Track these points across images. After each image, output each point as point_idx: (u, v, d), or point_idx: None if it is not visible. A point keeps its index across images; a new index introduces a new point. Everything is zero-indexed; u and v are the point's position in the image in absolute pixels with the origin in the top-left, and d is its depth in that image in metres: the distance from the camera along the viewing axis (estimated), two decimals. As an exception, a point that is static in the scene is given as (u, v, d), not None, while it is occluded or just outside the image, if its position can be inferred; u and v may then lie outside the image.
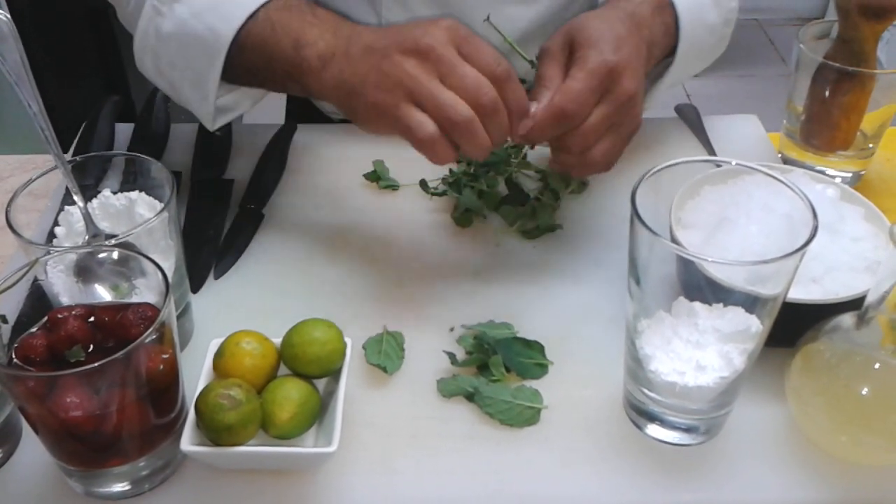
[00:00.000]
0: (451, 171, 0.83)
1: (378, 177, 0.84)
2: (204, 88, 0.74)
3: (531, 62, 0.75)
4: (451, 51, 0.63)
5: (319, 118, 1.04)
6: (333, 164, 0.88)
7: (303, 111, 1.06)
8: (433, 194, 0.82)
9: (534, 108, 0.67)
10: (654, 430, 0.61)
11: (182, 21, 0.72)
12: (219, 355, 0.60)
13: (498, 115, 0.63)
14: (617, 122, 0.69)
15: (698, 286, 0.54)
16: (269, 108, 0.98)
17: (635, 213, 0.53)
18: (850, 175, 0.86)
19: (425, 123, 0.62)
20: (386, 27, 0.68)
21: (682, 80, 0.86)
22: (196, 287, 0.73)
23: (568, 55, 0.70)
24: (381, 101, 0.64)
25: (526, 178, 0.84)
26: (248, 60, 0.72)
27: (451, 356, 0.66)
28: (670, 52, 0.80)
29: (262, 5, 0.71)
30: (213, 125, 0.78)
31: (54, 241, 0.65)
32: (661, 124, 0.94)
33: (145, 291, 0.58)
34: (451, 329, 0.69)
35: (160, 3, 0.73)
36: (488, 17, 0.81)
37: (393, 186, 0.84)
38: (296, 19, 0.70)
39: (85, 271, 0.59)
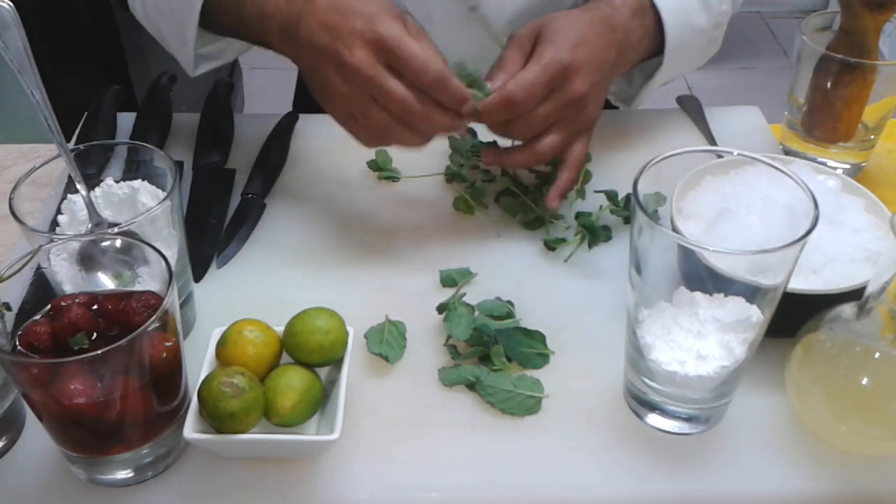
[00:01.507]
0: (451, 161, 0.83)
1: (379, 167, 0.84)
2: (183, 36, 0.78)
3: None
4: (376, 69, 0.66)
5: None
6: (336, 153, 0.88)
7: (311, 100, 1.06)
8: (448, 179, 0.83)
9: (489, 86, 0.72)
10: (654, 419, 0.61)
11: None
12: (221, 343, 0.60)
13: (428, 119, 0.68)
14: (564, 118, 0.74)
15: (699, 276, 0.54)
16: (276, 98, 0.98)
17: (637, 202, 0.54)
18: (851, 166, 0.86)
19: (360, 136, 0.71)
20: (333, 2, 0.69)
21: (673, 79, 0.87)
22: (199, 276, 0.73)
23: (532, 46, 0.74)
24: (328, 108, 0.71)
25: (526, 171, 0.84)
26: (224, 19, 0.75)
27: (452, 349, 0.66)
28: (654, 53, 0.82)
29: None
30: (193, 71, 0.83)
31: (57, 229, 0.65)
32: (663, 116, 0.94)
33: (148, 280, 0.58)
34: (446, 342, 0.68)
35: None
36: (477, 8, 0.84)
37: (394, 177, 0.84)
38: None
39: (88, 259, 0.59)
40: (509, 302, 0.69)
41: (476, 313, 0.67)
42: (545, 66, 0.71)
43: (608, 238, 0.76)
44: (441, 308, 0.67)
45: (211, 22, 0.78)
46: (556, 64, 0.71)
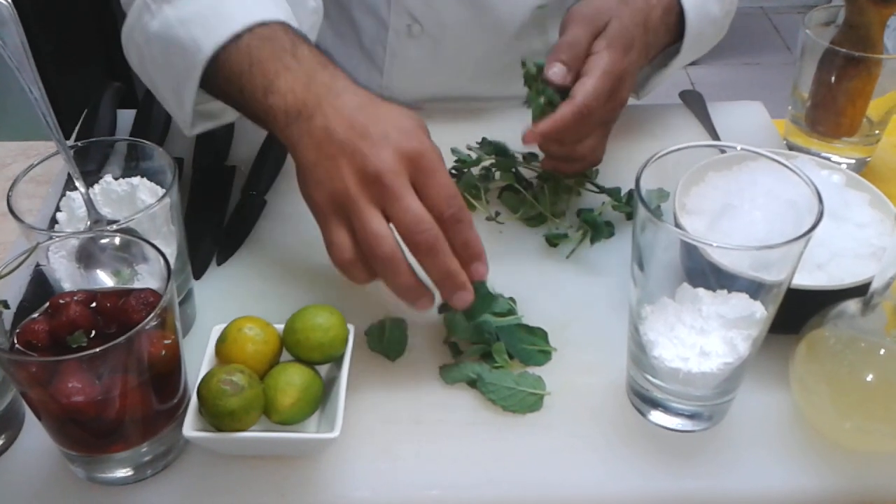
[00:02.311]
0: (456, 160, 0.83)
1: None
2: (181, 95, 0.71)
3: (548, 94, 0.73)
4: (401, 180, 0.59)
5: None
6: (336, 150, 0.87)
7: None
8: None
9: (556, 68, 0.70)
10: (657, 416, 0.61)
11: (168, 24, 0.70)
12: (221, 341, 0.60)
13: (436, 255, 0.59)
14: (608, 119, 0.74)
15: (702, 272, 0.54)
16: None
17: (639, 198, 0.53)
18: (855, 161, 0.85)
19: (344, 247, 0.60)
20: (360, 100, 0.63)
21: (680, 68, 0.87)
22: (198, 273, 0.73)
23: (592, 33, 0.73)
24: (316, 202, 0.62)
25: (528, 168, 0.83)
26: (223, 87, 0.68)
27: (453, 347, 0.65)
28: (669, 44, 0.83)
29: (249, 29, 0.66)
30: (190, 131, 0.75)
31: (56, 226, 0.64)
32: (666, 111, 0.93)
33: (147, 277, 0.57)
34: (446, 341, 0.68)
35: (152, 0, 0.72)
36: (524, 63, 0.76)
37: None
38: (273, 58, 0.65)
39: (87, 257, 0.59)
40: (511, 298, 0.68)
41: None
42: (609, 72, 0.70)
43: (611, 234, 0.76)
44: (442, 308, 0.67)
45: (210, 84, 0.70)
46: (617, 71, 0.71)
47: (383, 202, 0.59)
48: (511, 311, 0.68)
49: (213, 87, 0.70)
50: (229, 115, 0.77)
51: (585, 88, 0.70)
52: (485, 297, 0.63)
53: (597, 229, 0.75)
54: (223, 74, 0.67)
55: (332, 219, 0.61)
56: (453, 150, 0.80)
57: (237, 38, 0.66)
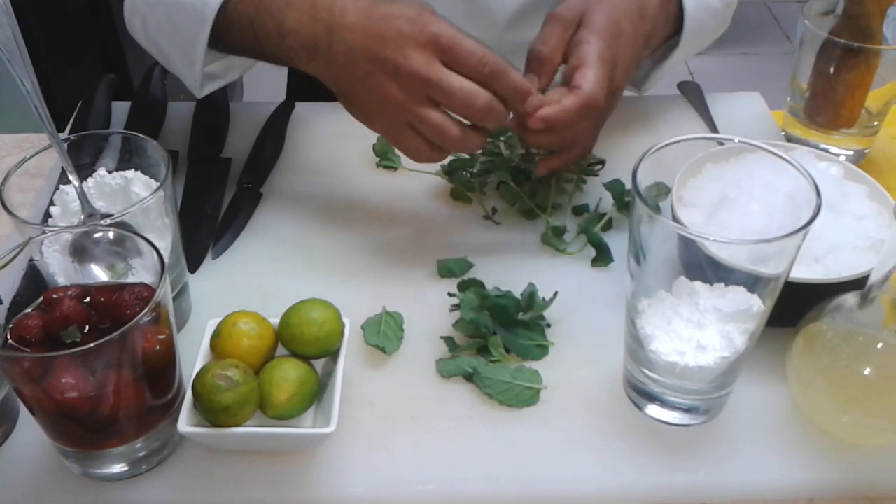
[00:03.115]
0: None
1: (379, 154, 0.83)
2: (191, 56, 0.73)
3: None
4: (435, 67, 0.63)
5: (322, 95, 1.03)
6: (332, 142, 0.87)
7: (305, 88, 1.05)
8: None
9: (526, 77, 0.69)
10: (654, 410, 0.61)
11: None
12: (216, 336, 0.59)
13: (492, 112, 0.64)
14: (606, 107, 0.73)
15: (699, 265, 0.53)
16: (269, 85, 0.97)
17: (636, 191, 0.53)
18: (854, 153, 0.85)
19: (420, 150, 0.67)
20: (363, 7, 0.65)
21: (682, 61, 0.86)
22: (194, 267, 0.73)
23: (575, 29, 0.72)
24: (373, 123, 0.67)
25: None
26: (237, 37, 0.71)
27: (450, 341, 0.65)
28: (670, 36, 0.81)
29: None
30: (200, 92, 0.78)
31: (49, 220, 0.64)
32: (664, 102, 0.93)
33: (142, 271, 0.57)
34: (451, 309, 0.68)
35: None
36: None
37: (392, 166, 0.83)
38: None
39: (81, 251, 0.58)
40: (508, 292, 0.68)
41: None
42: (603, 57, 0.69)
43: (609, 261, 0.74)
44: (462, 286, 0.68)
45: (220, 41, 0.73)
46: (609, 56, 0.70)
47: (430, 94, 0.64)
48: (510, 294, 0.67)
49: (223, 42, 0.73)
50: (235, 72, 0.80)
51: (587, 78, 0.68)
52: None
53: (600, 251, 0.73)
54: (235, 26, 0.70)
55: (393, 131, 0.66)
56: None
57: None
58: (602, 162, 0.81)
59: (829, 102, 0.82)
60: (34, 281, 0.58)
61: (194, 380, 0.56)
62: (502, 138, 0.83)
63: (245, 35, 0.70)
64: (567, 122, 0.68)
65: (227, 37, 0.71)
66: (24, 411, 0.61)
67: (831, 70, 0.80)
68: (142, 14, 0.75)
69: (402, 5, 0.65)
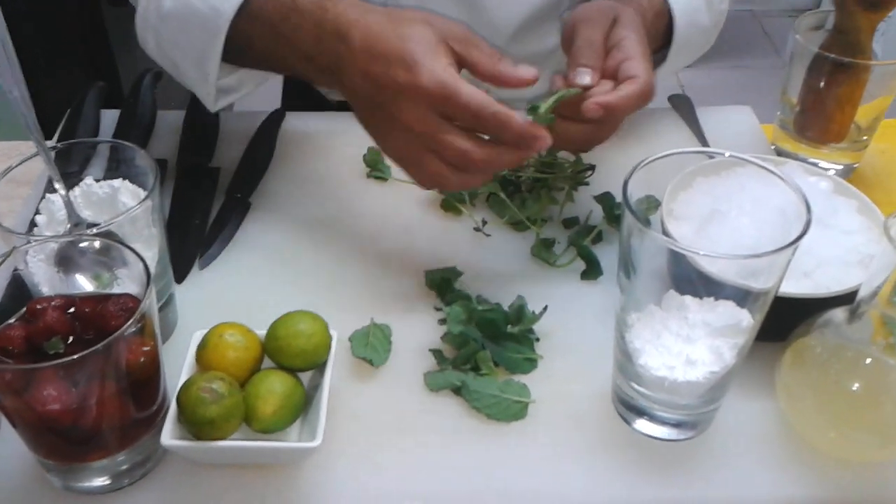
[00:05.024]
0: None
1: (369, 164, 0.83)
2: (205, 68, 0.73)
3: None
4: (429, 121, 0.61)
5: (316, 104, 1.03)
6: (322, 152, 0.87)
7: (300, 96, 1.05)
8: None
9: (581, 72, 0.69)
10: (642, 425, 0.60)
11: (183, 0, 0.71)
12: (201, 347, 0.59)
13: (491, 164, 0.62)
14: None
15: (689, 279, 0.53)
16: (263, 93, 0.96)
17: (626, 204, 0.53)
18: (843, 167, 0.85)
19: (416, 178, 0.66)
20: (368, 41, 0.63)
21: (665, 77, 0.86)
22: (181, 277, 0.72)
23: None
24: (382, 149, 0.66)
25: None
26: (251, 55, 0.72)
27: (438, 354, 0.65)
28: (656, 51, 0.82)
29: None
30: (214, 106, 0.78)
31: (35, 229, 0.63)
32: (655, 115, 0.93)
33: (127, 281, 0.57)
34: (440, 322, 0.67)
35: None
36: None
37: (382, 177, 0.83)
38: (282, 20, 0.68)
39: (66, 261, 0.58)
40: (497, 305, 0.68)
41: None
42: (645, 53, 0.70)
43: (598, 273, 0.74)
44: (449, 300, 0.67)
45: (236, 54, 0.73)
46: (648, 53, 0.71)
47: (427, 146, 0.62)
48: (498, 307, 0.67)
49: (237, 52, 0.72)
50: (247, 86, 0.79)
51: (641, 67, 0.68)
52: None
53: (590, 264, 0.73)
54: (256, 38, 0.70)
55: (413, 159, 0.64)
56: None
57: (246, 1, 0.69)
58: (592, 168, 0.81)
59: (818, 117, 0.82)
60: (18, 291, 0.58)
61: (179, 392, 0.55)
62: None
63: (259, 54, 0.71)
64: (626, 109, 0.68)
65: (247, 54, 0.72)
66: (4, 424, 0.60)
67: (821, 84, 0.80)
68: (154, 28, 0.74)
69: (404, 37, 0.62)
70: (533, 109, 0.65)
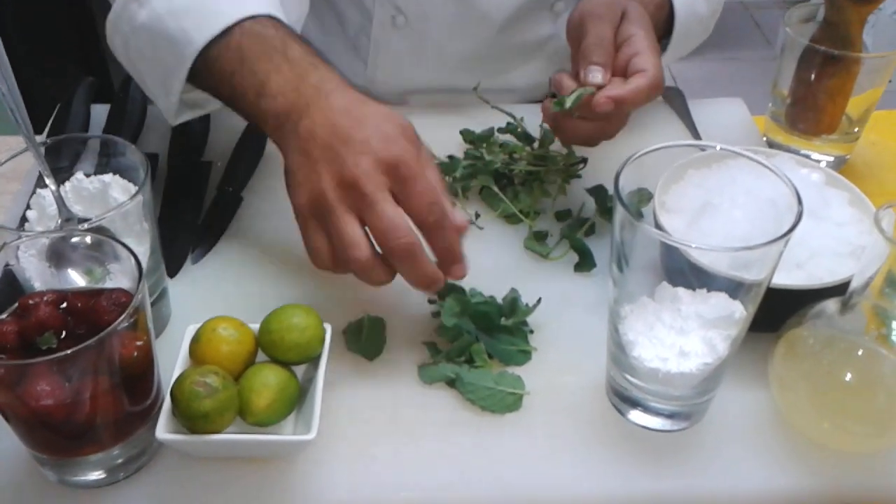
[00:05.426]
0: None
1: None
2: (168, 86, 0.70)
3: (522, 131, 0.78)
4: (378, 188, 0.59)
5: None
6: (314, 146, 0.86)
7: None
8: None
9: (594, 70, 0.71)
10: (636, 416, 0.61)
11: (157, 16, 0.69)
12: (195, 341, 0.59)
13: (411, 262, 0.60)
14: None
15: (682, 271, 0.53)
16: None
17: (618, 197, 0.53)
18: (834, 159, 0.85)
19: (321, 252, 0.61)
20: (347, 102, 0.62)
21: (664, 67, 0.86)
22: (173, 272, 0.72)
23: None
24: (296, 205, 0.62)
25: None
26: (215, 85, 0.68)
27: (432, 347, 0.65)
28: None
29: (239, 23, 0.66)
30: (174, 120, 0.74)
31: (26, 225, 0.63)
32: (647, 107, 0.92)
33: (120, 276, 0.56)
34: (433, 313, 0.67)
35: None
36: (476, 87, 0.83)
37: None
38: (265, 58, 0.65)
39: (58, 256, 0.57)
40: (490, 297, 0.68)
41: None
42: (655, 48, 0.72)
43: (592, 265, 0.73)
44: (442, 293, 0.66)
45: (198, 78, 0.69)
46: (657, 48, 0.72)
47: (359, 209, 0.59)
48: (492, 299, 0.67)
49: (201, 82, 0.70)
50: (213, 104, 0.76)
51: (650, 62, 0.70)
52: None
53: (583, 256, 0.73)
54: (215, 72, 0.67)
55: (310, 223, 0.61)
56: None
57: (227, 33, 0.66)
58: (584, 160, 0.81)
59: (810, 109, 0.83)
60: (10, 286, 0.57)
61: (173, 386, 0.55)
62: (484, 144, 0.83)
63: (223, 86, 0.67)
64: (636, 102, 0.69)
65: (204, 80, 0.68)
66: (-2, 418, 0.60)
67: (812, 77, 0.80)
68: (124, 35, 0.72)
69: (386, 117, 0.62)
70: (559, 104, 0.69)
